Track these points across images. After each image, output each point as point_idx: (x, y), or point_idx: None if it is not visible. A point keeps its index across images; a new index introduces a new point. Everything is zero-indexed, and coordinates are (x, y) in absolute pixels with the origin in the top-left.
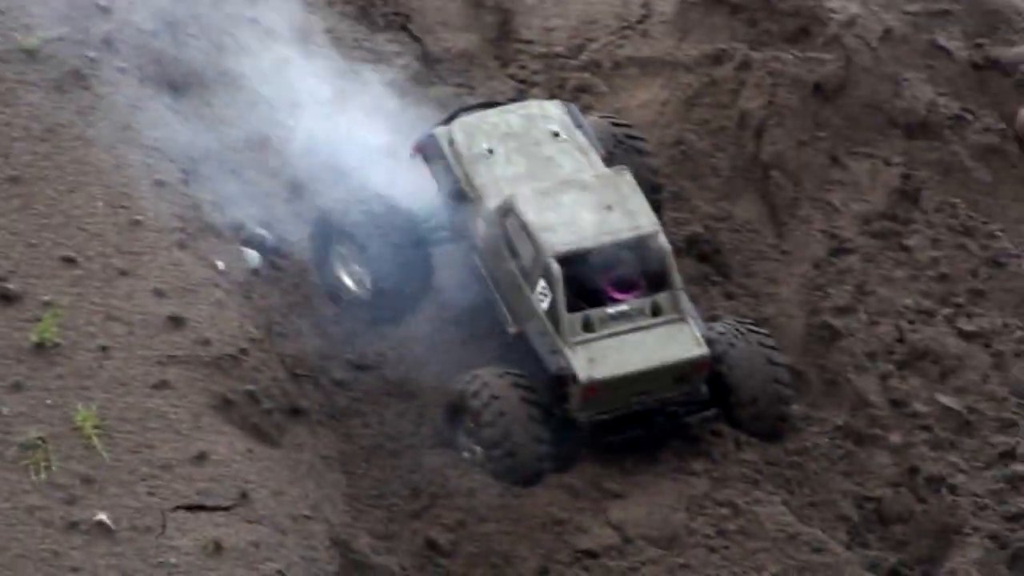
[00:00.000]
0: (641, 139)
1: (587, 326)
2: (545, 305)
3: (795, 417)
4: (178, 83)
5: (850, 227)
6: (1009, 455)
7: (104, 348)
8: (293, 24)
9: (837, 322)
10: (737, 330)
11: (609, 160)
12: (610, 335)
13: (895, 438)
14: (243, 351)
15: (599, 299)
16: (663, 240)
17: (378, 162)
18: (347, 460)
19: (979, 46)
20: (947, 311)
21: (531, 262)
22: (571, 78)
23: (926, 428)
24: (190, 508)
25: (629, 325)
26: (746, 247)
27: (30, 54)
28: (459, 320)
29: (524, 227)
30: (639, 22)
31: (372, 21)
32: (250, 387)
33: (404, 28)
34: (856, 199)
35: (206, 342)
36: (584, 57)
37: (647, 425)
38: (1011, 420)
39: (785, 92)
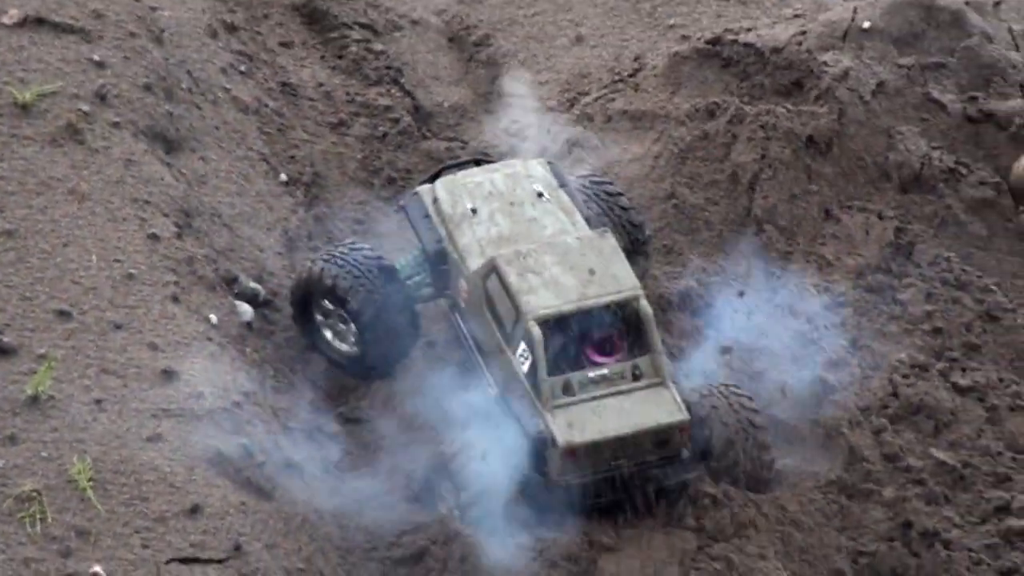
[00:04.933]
0: (620, 194)
1: (567, 389)
2: (525, 368)
3: (788, 472)
4: (171, 137)
5: (843, 281)
6: (1004, 510)
7: (98, 401)
8: (287, 80)
9: (831, 376)
10: (720, 393)
11: (591, 218)
12: (590, 399)
13: (889, 492)
14: (236, 404)
15: (580, 362)
16: (645, 304)
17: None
18: (340, 513)
19: (973, 99)
20: (941, 365)
21: (512, 324)
22: (563, 132)
23: (920, 483)
24: (184, 561)
25: (610, 389)
26: (739, 301)
27: (24, 108)
28: (449, 374)
29: (506, 289)
30: (631, 75)
31: (364, 75)
32: (244, 440)
33: (396, 82)
34: (849, 253)
35: (199, 395)
36: (576, 111)
37: (627, 489)
38: (1006, 475)
39: (778, 146)
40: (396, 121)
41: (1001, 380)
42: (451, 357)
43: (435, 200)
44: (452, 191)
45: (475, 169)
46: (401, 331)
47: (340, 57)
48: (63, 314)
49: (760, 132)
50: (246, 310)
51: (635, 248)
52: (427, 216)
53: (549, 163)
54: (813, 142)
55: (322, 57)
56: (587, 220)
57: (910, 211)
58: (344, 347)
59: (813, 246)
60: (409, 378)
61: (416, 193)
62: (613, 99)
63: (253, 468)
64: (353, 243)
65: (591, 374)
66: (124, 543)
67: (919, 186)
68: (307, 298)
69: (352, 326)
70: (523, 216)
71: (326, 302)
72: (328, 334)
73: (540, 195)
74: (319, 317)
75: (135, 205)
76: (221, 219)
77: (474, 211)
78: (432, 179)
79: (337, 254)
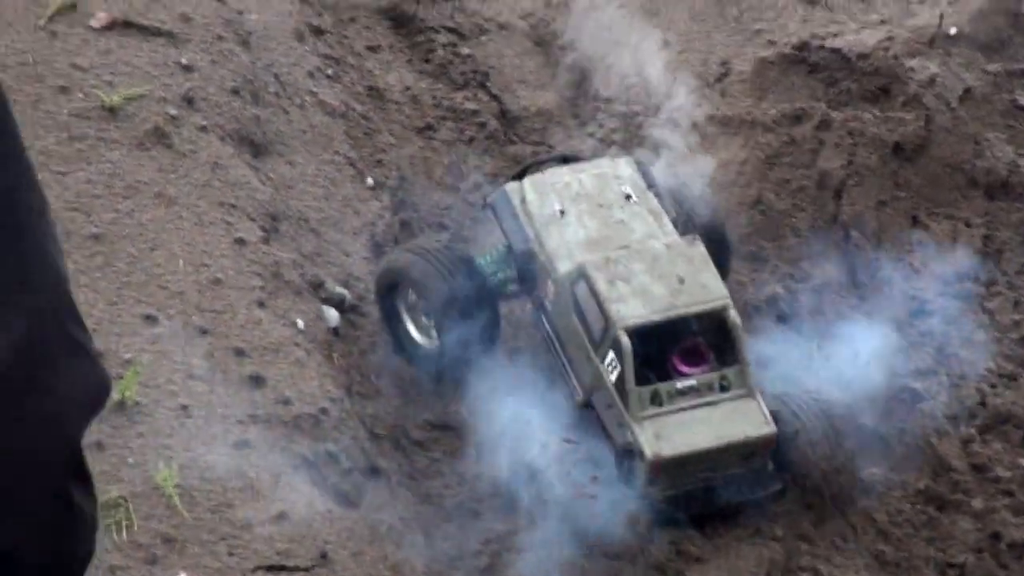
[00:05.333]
0: (704, 198)
1: (655, 400)
2: (613, 377)
3: (875, 481)
4: (258, 141)
5: (930, 288)
6: None
7: (184, 407)
8: (374, 84)
9: (918, 384)
10: (804, 403)
11: (677, 221)
12: (678, 410)
13: (977, 503)
14: (323, 411)
15: (666, 371)
16: (734, 314)
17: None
18: (426, 521)
19: None
20: None
21: (601, 333)
22: (650, 137)
23: (1009, 493)
24: (270, 568)
25: (697, 400)
26: (826, 309)
27: (112, 111)
28: (534, 380)
29: (595, 296)
30: (718, 80)
31: (451, 79)
32: (330, 447)
33: (482, 86)
34: (936, 260)
35: (286, 401)
36: (663, 116)
37: (711, 501)
38: None
39: (865, 152)
40: (483, 125)
41: None
42: (537, 363)
43: (523, 199)
44: (540, 190)
45: (563, 168)
46: (481, 324)
47: (427, 61)
48: (150, 319)
49: (847, 138)
50: (332, 315)
51: (718, 254)
52: (515, 215)
53: (637, 163)
54: (900, 149)
55: (409, 61)
56: (674, 223)
57: (997, 218)
58: (425, 341)
59: (900, 253)
60: (495, 384)
61: (504, 191)
62: (699, 104)
63: (339, 475)
64: (436, 236)
65: (679, 385)
66: (210, 550)
67: (1006, 193)
68: (390, 289)
69: (431, 319)
70: (611, 218)
71: (408, 293)
72: (410, 328)
73: (628, 197)
74: (401, 310)
75: (222, 209)
76: (308, 223)
77: (562, 212)
78: (519, 176)
79: (418, 244)
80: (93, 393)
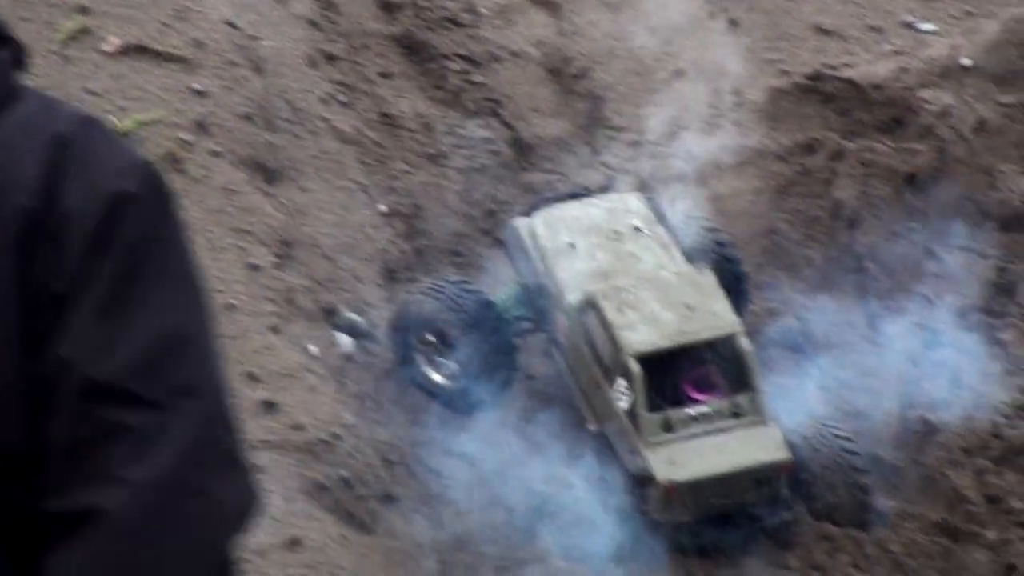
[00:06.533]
0: (717, 229)
1: (667, 426)
2: (625, 404)
3: (890, 512)
4: (271, 167)
5: (944, 320)
6: None
7: None
8: (386, 110)
9: (932, 416)
10: (819, 433)
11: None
12: (691, 436)
13: (992, 535)
14: (336, 436)
15: (679, 398)
16: (744, 341)
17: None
18: (440, 548)
19: None
20: None
21: (611, 360)
22: (663, 166)
23: (1023, 525)
24: None
25: (710, 426)
26: (840, 339)
27: (124, 137)
28: (548, 409)
29: (604, 324)
30: (731, 110)
31: (463, 106)
32: (344, 473)
33: (495, 114)
34: (951, 292)
35: (299, 427)
36: (676, 145)
37: (725, 528)
38: None
39: (878, 183)
40: (496, 153)
41: None
42: (550, 392)
43: (533, 234)
44: (551, 225)
45: (573, 203)
46: (499, 366)
47: (439, 88)
48: None
49: (860, 168)
50: (346, 341)
51: (732, 284)
52: (525, 250)
53: (647, 197)
54: (914, 179)
55: (421, 88)
56: (685, 254)
57: (1011, 250)
58: (441, 379)
59: (914, 285)
60: (509, 413)
61: (513, 226)
62: (712, 134)
63: (353, 501)
64: (452, 277)
65: (691, 411)
66: None
67: (1020, 225)
68: (405, 330)
69: (449, 360)
70: (621, 250)
71: (424, 334)
72: (425, 367)
73: (638, 229)
74: (416, 350)
75: (235, 235)
76: (321, 250)
77: (572, 245)
78: (529, 212)
79: (436, 287)
80: (245, 506)
